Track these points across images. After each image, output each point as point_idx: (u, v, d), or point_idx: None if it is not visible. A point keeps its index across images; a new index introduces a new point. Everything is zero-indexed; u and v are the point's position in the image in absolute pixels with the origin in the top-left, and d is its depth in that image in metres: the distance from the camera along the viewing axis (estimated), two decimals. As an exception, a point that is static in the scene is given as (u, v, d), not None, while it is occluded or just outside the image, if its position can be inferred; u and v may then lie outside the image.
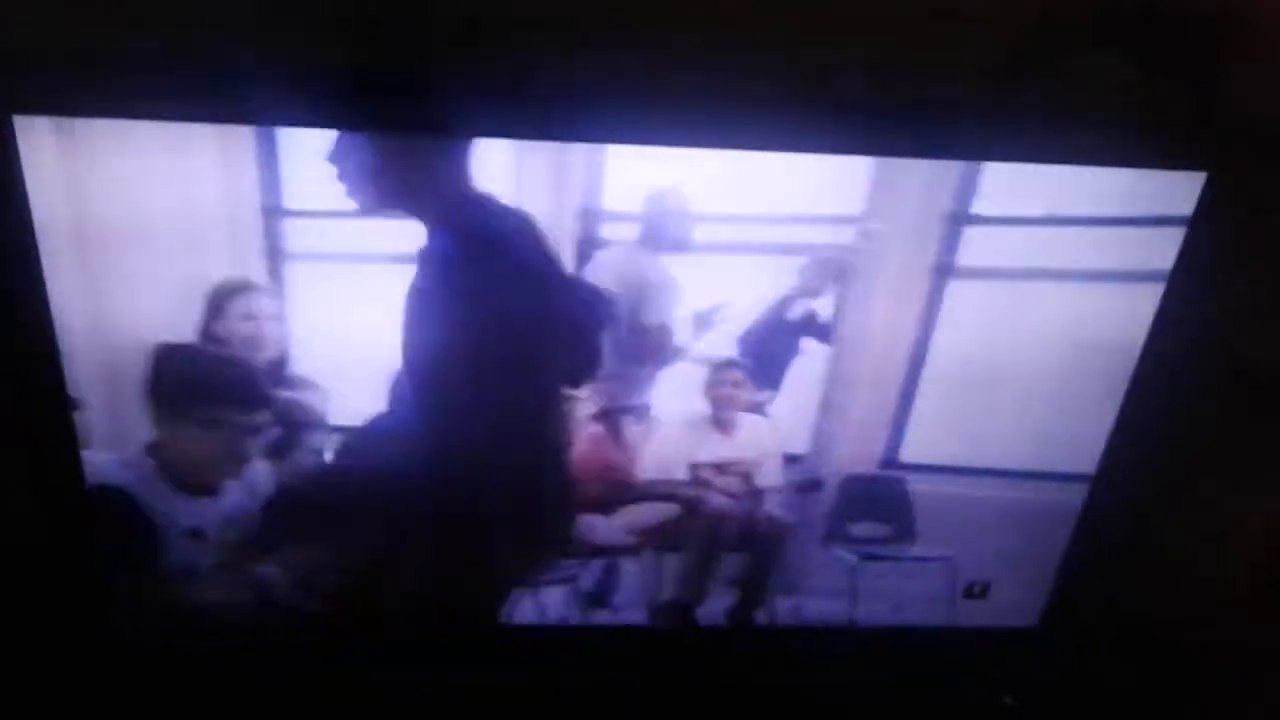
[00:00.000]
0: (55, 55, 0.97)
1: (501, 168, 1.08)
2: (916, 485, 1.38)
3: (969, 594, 1.44)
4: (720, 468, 1.33)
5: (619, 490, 1.32)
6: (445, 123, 1.04)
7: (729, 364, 1.26)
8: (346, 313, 1.14)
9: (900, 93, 1.10)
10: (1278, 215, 1.20)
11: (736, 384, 1.27)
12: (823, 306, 1.23)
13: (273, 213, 1.07)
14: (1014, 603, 1.46)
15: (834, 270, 1.20)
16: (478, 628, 1.40)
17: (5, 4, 0.97)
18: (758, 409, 1.30)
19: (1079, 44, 1.11)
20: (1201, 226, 1.18)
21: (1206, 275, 1.21)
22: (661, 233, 1.15)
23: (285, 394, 1.16)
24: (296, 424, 1.17)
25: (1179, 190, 1.18)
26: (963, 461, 1.37)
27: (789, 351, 1.27)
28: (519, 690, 1.42)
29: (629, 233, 1.15)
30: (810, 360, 1.27)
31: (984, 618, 1.46)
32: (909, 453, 1.35)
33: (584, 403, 1.27)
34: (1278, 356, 1.28)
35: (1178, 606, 1.44)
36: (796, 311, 1.23)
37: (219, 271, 1.09)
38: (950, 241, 1.20)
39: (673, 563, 1.40)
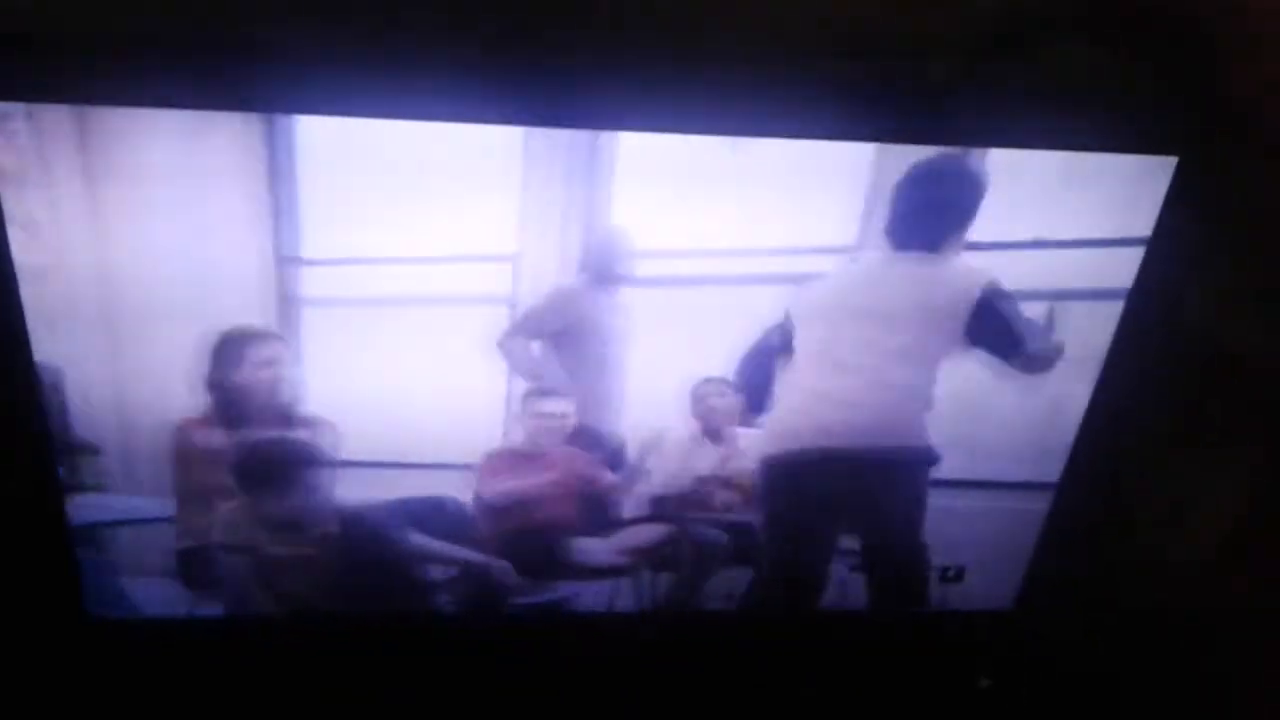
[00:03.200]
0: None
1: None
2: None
3: (944, 578, 1.48)
4: (723, 481, 1.38)
5: (604, 508, 1.36)
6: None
7: (719, 382, 1.29)
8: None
9: (872, 77, 1.11)
10: (1248, 199, 1.21)
11: (722, 395, 1.31)
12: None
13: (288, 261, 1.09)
14: (988, 586, 1.49)
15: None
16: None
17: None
18: (752, 426, 1.34)
19: (1051, 28, 1.12)
20: (1173, 209, 1.20)
21: (1178, 259, 1.23)
22: (608, 268, 1.18)
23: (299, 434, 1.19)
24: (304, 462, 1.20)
25: (1137, 211, 1.22)
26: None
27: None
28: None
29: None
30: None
31: (959, 601, 1.50)
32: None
33: (561, 420, 1.30)
34: (1248, 339, 1.28)
35: (1149, 587, 1.47)
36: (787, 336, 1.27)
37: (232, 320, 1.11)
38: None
39: (666, 580, 1.44)
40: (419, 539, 1.32)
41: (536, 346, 1.22)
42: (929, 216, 1.17)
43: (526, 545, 1.37)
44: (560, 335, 1.22)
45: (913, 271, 1.19)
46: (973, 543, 1.45)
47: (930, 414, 1.31)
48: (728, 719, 1.51)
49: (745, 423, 1.34)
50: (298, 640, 1.39)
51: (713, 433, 1.34)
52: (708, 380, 1.30)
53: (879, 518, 1.40)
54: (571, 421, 1.30)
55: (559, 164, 1.08)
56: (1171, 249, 1.23)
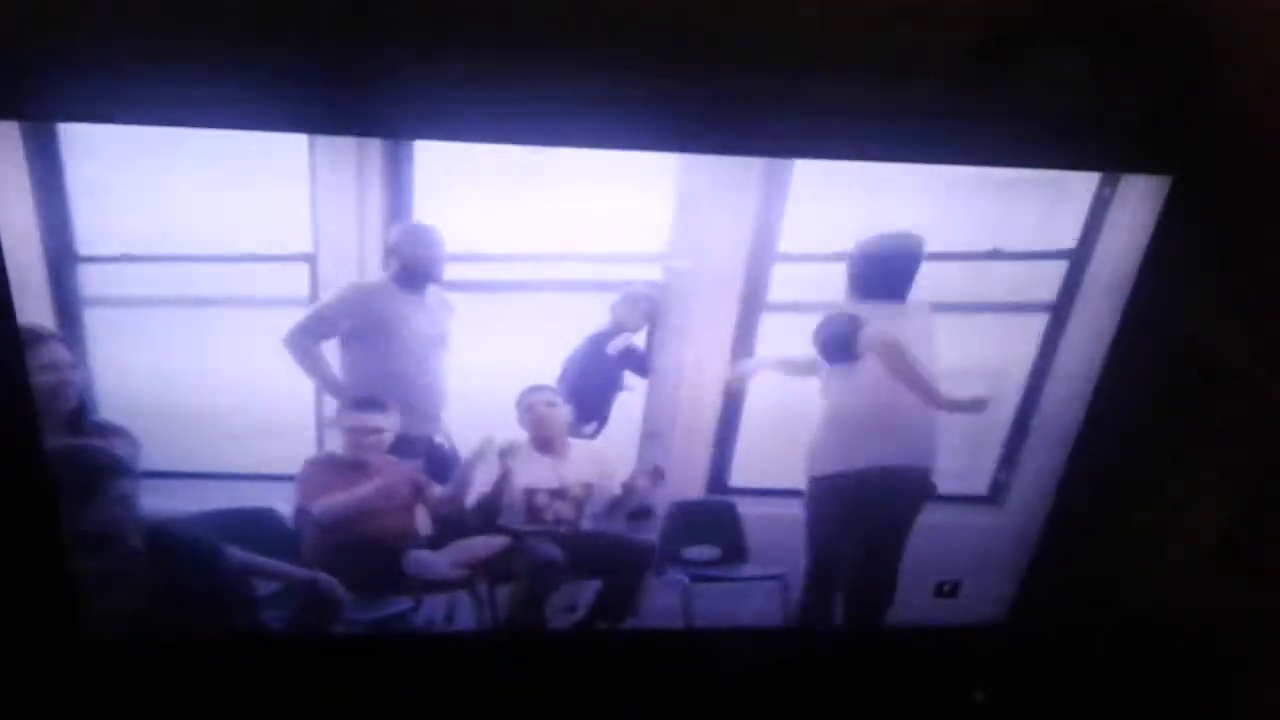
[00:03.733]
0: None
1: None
2: (747, 509, 1.41)
3: (940, 592, 1.48)
4: (555, 494, 1.35)
5: (436, 521, 1.33)
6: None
7: (543, 390, 1.27)
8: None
9: (864, 96, 1.10)
10: (1244, 217, 1.21)
11: (550, 405, 1.29)
12: (638, 341, 1.26)
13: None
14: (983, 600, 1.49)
15: (645, 306, 1.23)
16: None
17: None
18: (583, 436, 1.32)
19: (1041, 45, 1.11)
20: (1167, 228, 1.20)
21: (1172, 276, 1.23)
22: (412, 266, 1.16)
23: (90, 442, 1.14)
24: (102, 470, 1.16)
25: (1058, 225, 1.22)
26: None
27: (610, 385, 1.30)
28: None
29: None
30: (631, 393, 1.29)
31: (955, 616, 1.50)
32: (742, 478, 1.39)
33: (378, 435, 1.27)
34: (1242, 354, 1.28)
35: (1145, 596, 1.46)
36: (614, 346, 1.25)
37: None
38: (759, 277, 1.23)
39: (506, 594, 1.40)
40: (237, 554, 1.28)
41: (330, 347, 1.19)
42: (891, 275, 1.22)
43: (356, 559, 1.33)
44: (355, 337, 1.19)
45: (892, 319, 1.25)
46: (968, 557, 1.46)
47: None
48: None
49: (575, 433, 1.31)
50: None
51: (542, 443, 1.31)
52: (534, 389, 1.27)
53: (884, 533, 1.43)
54: (389, 435, 1.27)
55: (350, 165, 1.05)
56: (1167, 261, 1.23)
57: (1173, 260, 1.23)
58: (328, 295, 1.14)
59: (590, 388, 1.28)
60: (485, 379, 1.25)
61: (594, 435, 1.32)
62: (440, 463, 1.30)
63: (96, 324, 1.09)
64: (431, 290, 1.17)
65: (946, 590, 1.48)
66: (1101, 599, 1.49)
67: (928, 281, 1.23)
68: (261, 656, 1.39)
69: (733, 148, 1.11)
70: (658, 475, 1.34)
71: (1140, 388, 1.31)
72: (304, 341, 1.16)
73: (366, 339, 1.19)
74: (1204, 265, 1.24)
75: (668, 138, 1.10)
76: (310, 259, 1.11)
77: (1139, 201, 1.20)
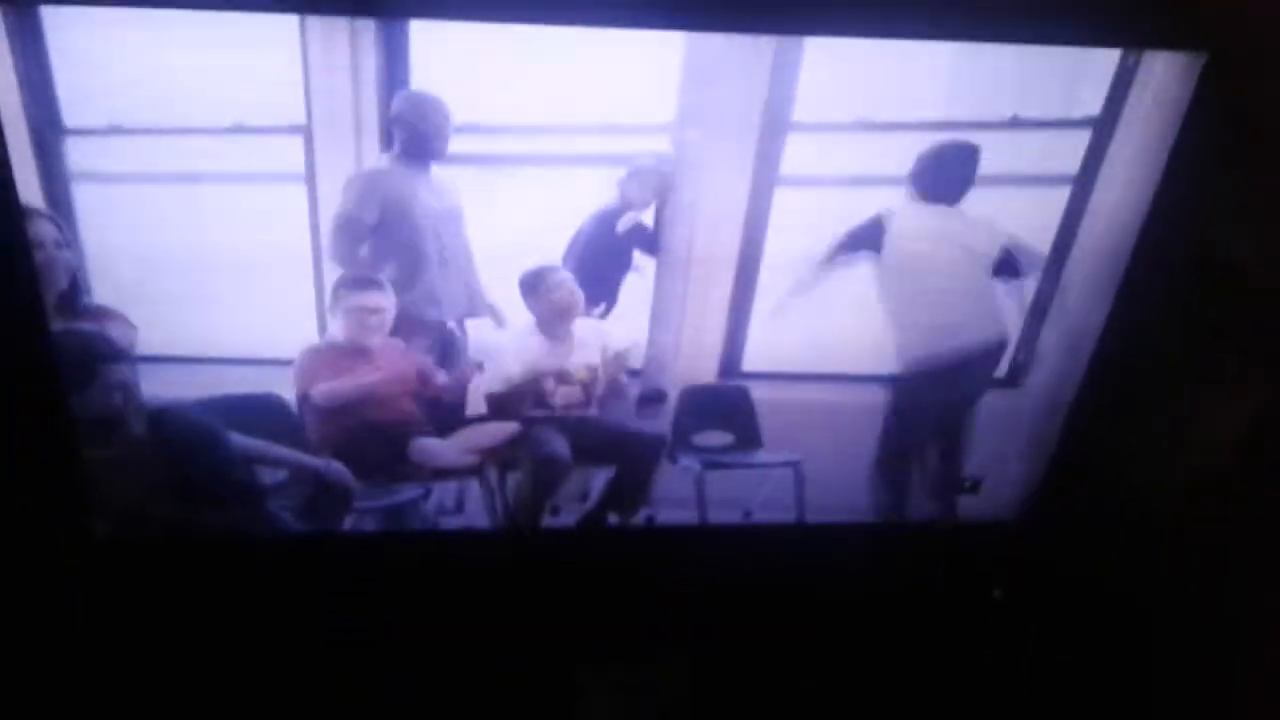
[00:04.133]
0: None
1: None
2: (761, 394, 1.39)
3: (961, 489, 1.46)
4: (560, 376, 1.32)
5: (442, 407, 1.30)
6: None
7: (554, 271, 1.23)
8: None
9: None
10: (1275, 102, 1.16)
11: (560, 286, 1.25)
12: (647, 218, 1.21)
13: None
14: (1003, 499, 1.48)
15: (654, 182, 1.18)
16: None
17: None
18: (591, 317, 1.29)
19: None
20: (1200, 111, 1.16)
21: (1203, 162, 1.19)
22: (422, 144, 1.11)
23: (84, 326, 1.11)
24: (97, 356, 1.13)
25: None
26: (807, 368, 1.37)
27: (618, 264, 1.26)
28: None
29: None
30: (639, 273, 1.26)
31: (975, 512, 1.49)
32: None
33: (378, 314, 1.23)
34: (1268, 250, 1.26)
35: (1160, 497, 1.45)
36: (622, 224, 1.21)
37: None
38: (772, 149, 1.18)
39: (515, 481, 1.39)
40: (241, 440, 1.25)
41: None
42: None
43: (362, 445, 1.31)
44: (379, 227, 1.15)
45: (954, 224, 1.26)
46: (991, 446, 1.44)
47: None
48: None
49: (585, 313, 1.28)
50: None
51: (548, 326, 1.28)
52: (542, 270, 1.23)
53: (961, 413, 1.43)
54: (390, 314, 1.23)
55: (343, 32, 1.00)
56: (1196, 153, 1.18)
57: (1201, 148, 1.18)
58: (340, 196, 1.11)
59: (598, 267, 1.24)
60: (489, 257, 1.20)
61: (603, 316, 1.28)
62: (449, 345, 1.26)
63: (85, 200, 1.05)
64: (435, 168, 1.12)
65: (968, 486, 1.46)
66: (1120, 498, 1.47)
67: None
68: (273, 559, 1.37)
69: (740, 25, 1.07)
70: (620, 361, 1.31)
71: (1161, 286, 1.28)
72: (344, 251, 1.13)
73: (384, 225, 1.14)
74: (1232, 159, 1.19)
75: (676, 15, 1.05)
76: (305, 131, 1.06)
77: (1165, 73, 1.15)
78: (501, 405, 1.32)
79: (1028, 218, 1.26)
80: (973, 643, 1.53)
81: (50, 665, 1.32)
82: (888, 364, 1.35)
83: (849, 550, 1.48)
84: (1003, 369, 1.39)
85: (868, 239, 1.25)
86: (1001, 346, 1.36)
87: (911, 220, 1.24)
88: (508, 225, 1.18)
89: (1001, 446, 1.44)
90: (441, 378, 1.28)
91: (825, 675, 1.52)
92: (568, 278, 1.24)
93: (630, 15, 1.03)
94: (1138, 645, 1.48)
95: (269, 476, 1.30)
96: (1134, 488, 1.46)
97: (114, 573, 1.31)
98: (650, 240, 1.23)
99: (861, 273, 1.27)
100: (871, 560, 1.49)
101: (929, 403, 1.39)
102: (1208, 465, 1.37)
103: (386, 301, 1.21)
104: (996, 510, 1.49)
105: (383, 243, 1.17)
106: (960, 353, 1.36)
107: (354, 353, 1.25)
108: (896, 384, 1.36)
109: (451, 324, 1.26)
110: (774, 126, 1.17)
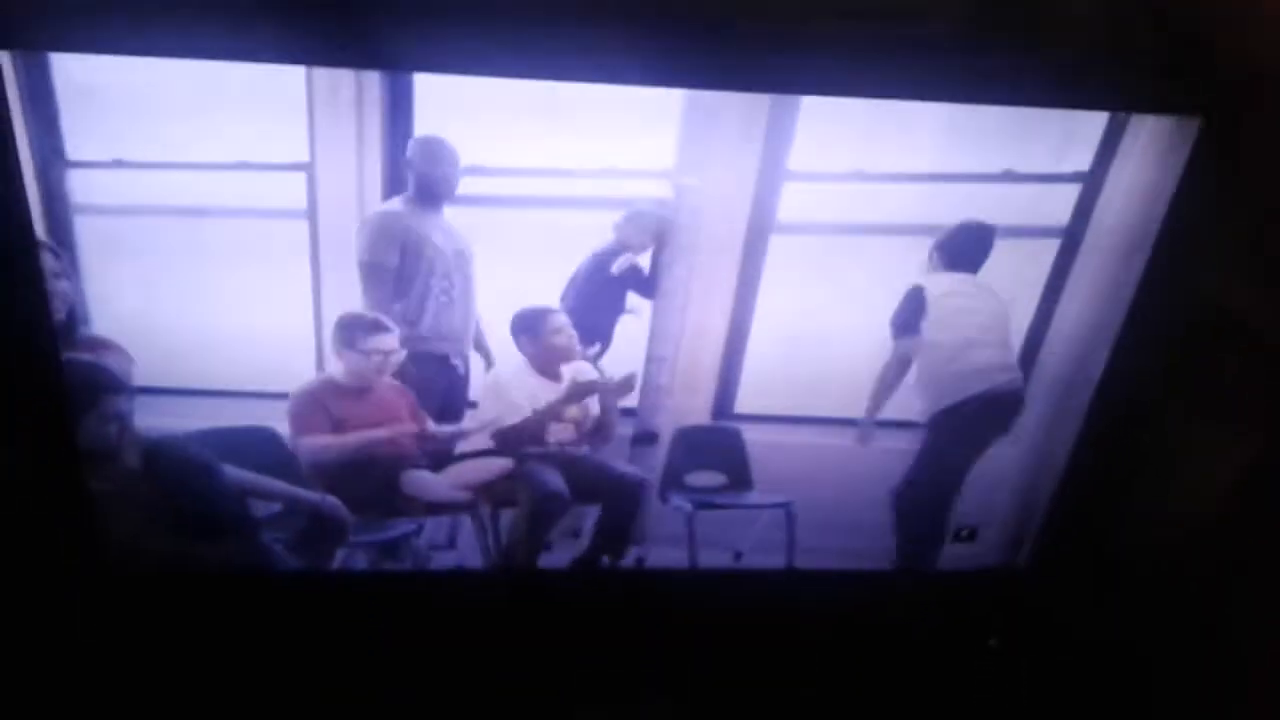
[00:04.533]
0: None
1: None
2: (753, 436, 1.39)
3: (957, 537, 1.47)
4: (554, 415, 1.32)
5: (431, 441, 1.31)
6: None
7: (554, 314, 1.24)
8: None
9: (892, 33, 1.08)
10: (1272, 164, 1.18)
11: (559, 331, 1.26)
12: (643, 261, 1.23)
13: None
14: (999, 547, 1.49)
15: (650, 225, 1.19)
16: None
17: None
18: (587, 359, 1.30)
19: None
20: (1195, 174, 1.17)
21: (1197, 223, 1.21)
22: (432, 187, 1.13)
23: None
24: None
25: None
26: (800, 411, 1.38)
27: (613, 306, 1.27)
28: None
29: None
30: (636, 316, 1.27)
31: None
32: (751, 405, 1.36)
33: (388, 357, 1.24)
34: (1262, 307, 1.27)
35: (1159, 546, 1.45)
36: (618, 266, 1.22)
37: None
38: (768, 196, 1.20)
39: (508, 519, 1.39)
40: (236, 473, 1.26)
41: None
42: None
43: (354, 479, 1.31)
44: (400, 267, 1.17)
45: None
46: (986, 503, 1.45)
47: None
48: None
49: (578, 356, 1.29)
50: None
51: (543, 367, 1.29)
52: (543, 312, 1.24)
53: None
54: (399, 356, 1.24)
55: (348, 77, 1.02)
56: (1191, 212, 1.20)
57: (1197, 208, 1.20)
58: (360, 240, 1.14)
59: (593, 309, 1.25)
60: (488, 297, 1.21)
61: (597, 358, 1.29)
62: (453, 384, 1.27)
63: (86, 233, 1.06)
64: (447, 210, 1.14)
65: (965, 535, 1.47)
66: (1116, 548, 1.48)
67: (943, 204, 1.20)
68: (272, 595, 1.38)
69: (740, 84, 1.09)
70: (626, 385, 1.31)
71: (1159, 337, 1.29)
72: (378, 295, 1.15)
73: (402, 266, 1.17)
74: (1229, 215, 1.21)
75: (675, 74, 1.07)
76: (308, 168, 1.07)
77: (1152, 135, 1.17)
78: (505, 442, 1.32)
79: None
80: (968, 691, 1.52)
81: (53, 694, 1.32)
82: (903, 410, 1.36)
83: (845, 596, 1.49)
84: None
85: (914, 309, 1.29)
86: (1020, 394, 1.38)
87: (945, 283, 1.29)
88: (506, 266, 1.19)
89: (998, 494, 1.44)
90: (433, 427, 1.29)
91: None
92: (566, 321, 1.25)
93: (628, 73, 1.05)
94: (1136, 694, 1.47)
95: (263, 509, 1.30)
96: (1132, 535, 1.46)
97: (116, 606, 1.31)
98: (646, 283, 1.24)
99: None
100: (867, 606, 1.50)
101: (944, 448, 1.40)
102: (1206, 513, 1.37)
103: (396, 343, 1.22)
104: (993, 557, 1.49)
105: (400, 284, 1.18)
106: (984, 399, 1.37)
107: (353, 393, 1.25)
108: (921, 428, 1.38)
109: (456, 361, 1.26)
110: (770, 173, 1.18)
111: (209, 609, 1.34)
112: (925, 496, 1.43)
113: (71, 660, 1.32)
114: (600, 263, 1.21)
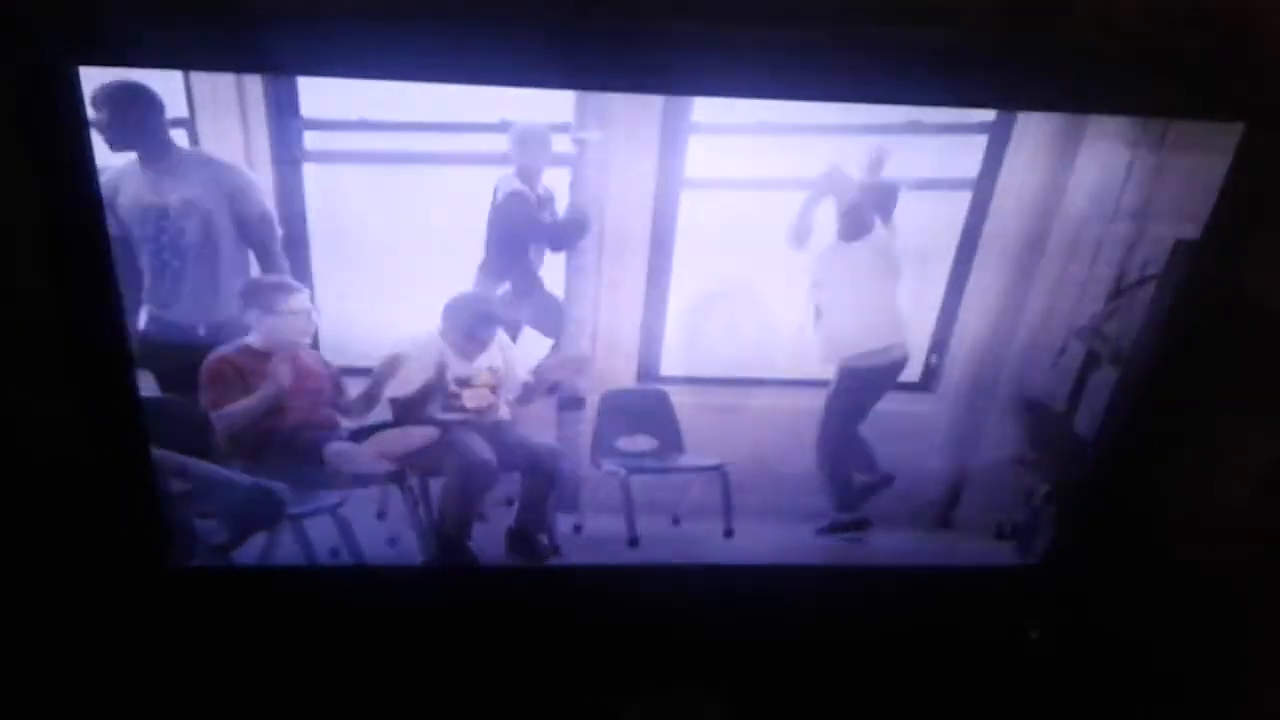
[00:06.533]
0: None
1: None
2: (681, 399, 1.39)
3: (1000, 534, 1.48)
4: (464, 381, 1.32)
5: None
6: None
7: (470, 299, 1.26)
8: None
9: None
10: None
11: (488, 321, 1.28)
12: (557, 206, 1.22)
13: None
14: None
15: (542, 136, 1.17)
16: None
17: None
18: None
19: None
20: (1237, 177, 1.17)
21: (1239, 223, 1.21)
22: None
23: None
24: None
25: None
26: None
27: (529, 257, 1.26)
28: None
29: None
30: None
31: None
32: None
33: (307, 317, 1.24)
34: None
35: (1191, 541, 1.46)
36: (501, 186, 1.21)
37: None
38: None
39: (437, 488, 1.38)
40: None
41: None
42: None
43: (274, 450, 1.30)
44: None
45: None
46: (1026, 500, 1.46)
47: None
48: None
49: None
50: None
51: (469, 342, 1.28)
52: (466, 300, 1.24)
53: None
54: (316, 314, 1.23)
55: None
56: (1233, 213, 1.20)
57: (1242, 210, 1.20)
58: None
59: (512, 262, 1.24)
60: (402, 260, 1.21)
61: (525, 295, 1.28)
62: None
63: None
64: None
65: (1007, 533, 1.48)
66: (1149, 543, 1.49)
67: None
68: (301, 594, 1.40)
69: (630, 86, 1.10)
70: (579, 363, 1.30)
71: (1199, 338, 1.29)
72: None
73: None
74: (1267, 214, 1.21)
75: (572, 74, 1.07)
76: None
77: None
78: (406, 410, 1.31)
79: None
80: (1008, 684, 1.52)
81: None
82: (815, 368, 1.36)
83: (884, 590, 1.49)
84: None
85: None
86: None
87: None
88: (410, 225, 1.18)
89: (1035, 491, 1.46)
90: (353, 389, 1.28)
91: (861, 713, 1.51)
92: (306, 304, 1.23)
93: (519, 76, 1.05)
94: (1168, 689, 1.49)
95: (179, 486, 1.29)
96: (1164, 534, 1.47)
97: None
98: (556, 233, 1.23)
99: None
100: (904, 600, 1.50)
101: (856, 405, 1.39)
102: (1239, 510, 1.39)
103: (308, 301, 1.22)
104: (1030, 554, 1.50)
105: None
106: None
107: (268, 358, 1.24)
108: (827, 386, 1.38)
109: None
110: (675, 128, 1.18)
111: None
112: (838, 445, 1.42)
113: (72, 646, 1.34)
114: (503, 212, 1.20)
